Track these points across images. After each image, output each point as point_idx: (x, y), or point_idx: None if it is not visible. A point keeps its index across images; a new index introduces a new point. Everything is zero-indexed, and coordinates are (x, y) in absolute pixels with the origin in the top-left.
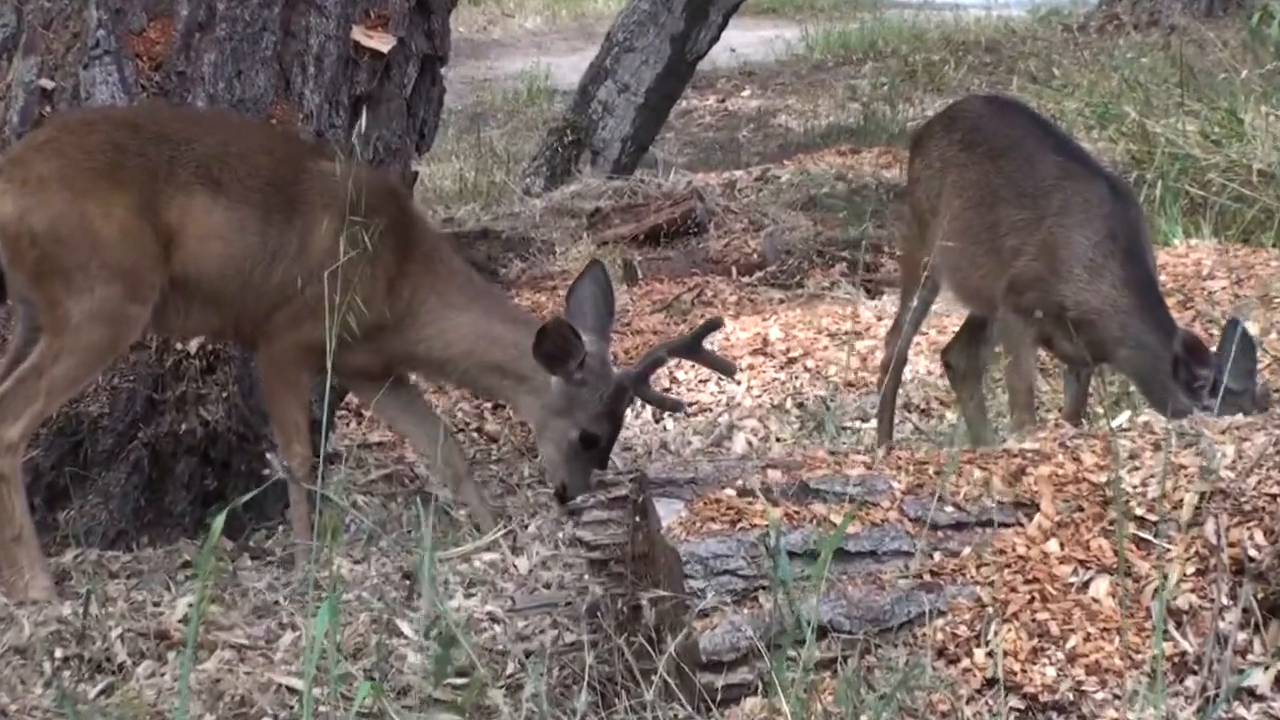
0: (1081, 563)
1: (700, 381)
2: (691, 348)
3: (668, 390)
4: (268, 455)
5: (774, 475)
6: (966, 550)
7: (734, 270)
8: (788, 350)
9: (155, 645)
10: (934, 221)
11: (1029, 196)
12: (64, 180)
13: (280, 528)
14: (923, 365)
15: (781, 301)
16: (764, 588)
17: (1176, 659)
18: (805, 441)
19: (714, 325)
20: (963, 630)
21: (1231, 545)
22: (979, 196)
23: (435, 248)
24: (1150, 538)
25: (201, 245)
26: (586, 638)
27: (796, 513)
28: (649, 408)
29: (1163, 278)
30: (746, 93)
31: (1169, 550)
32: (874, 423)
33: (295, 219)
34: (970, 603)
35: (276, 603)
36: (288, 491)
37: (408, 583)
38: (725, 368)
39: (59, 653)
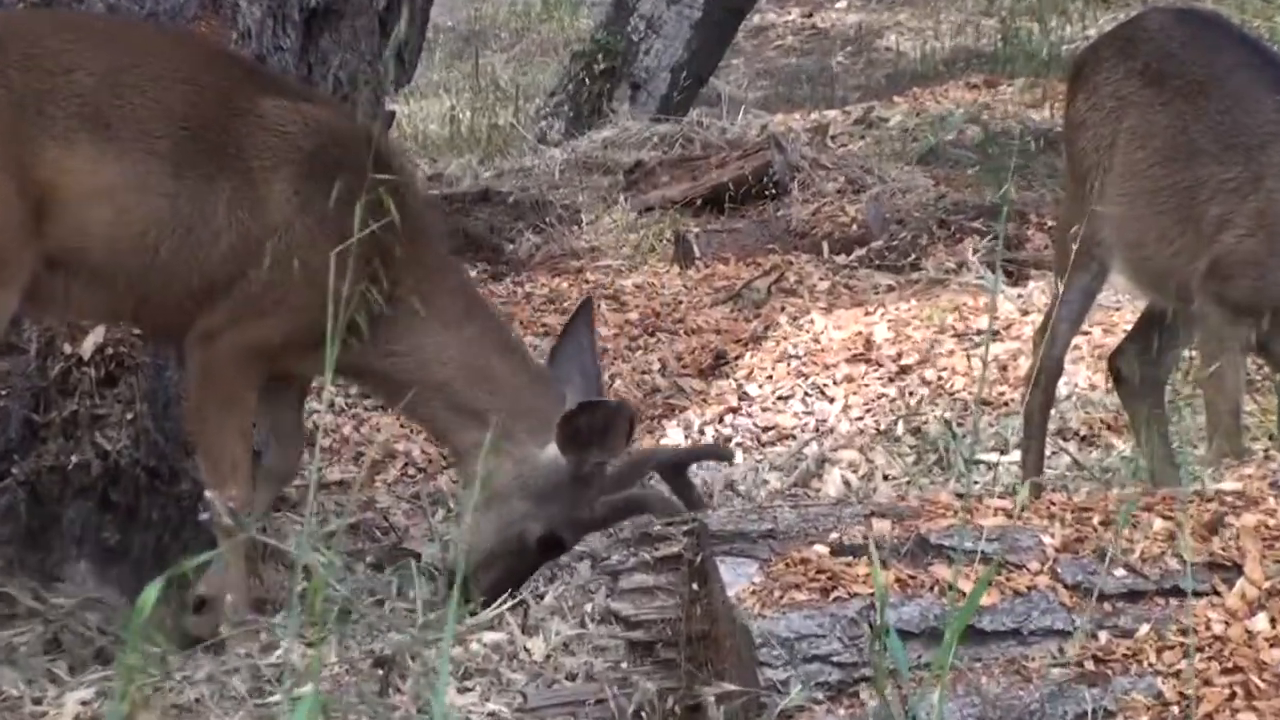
0: None
1: (779, 398)
2: (678, 467)
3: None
4: (206, 495)
5: (880, 527)
6: (1144, 629)
7: (825, 246)
8: (899, 356)
9: None
10: (1103, 181)
11: (1240, 149)
12: None
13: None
14: (1083, 376)
15: (890, 289)
16: (867, 679)
17: None
18: (923, 480)
19: (721, 455)
20: None
21: None
22: (1169, 148)
23: (424, 229)
24: None
25: (84, 211)
26: None
27: (912, 578)
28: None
29: None
30: (842, 4)
31: None
32: (1017, 455)
33: (223, 178)
34: (1149, 700)
35: (199, 700)
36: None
37: (381, 673)
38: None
39: None
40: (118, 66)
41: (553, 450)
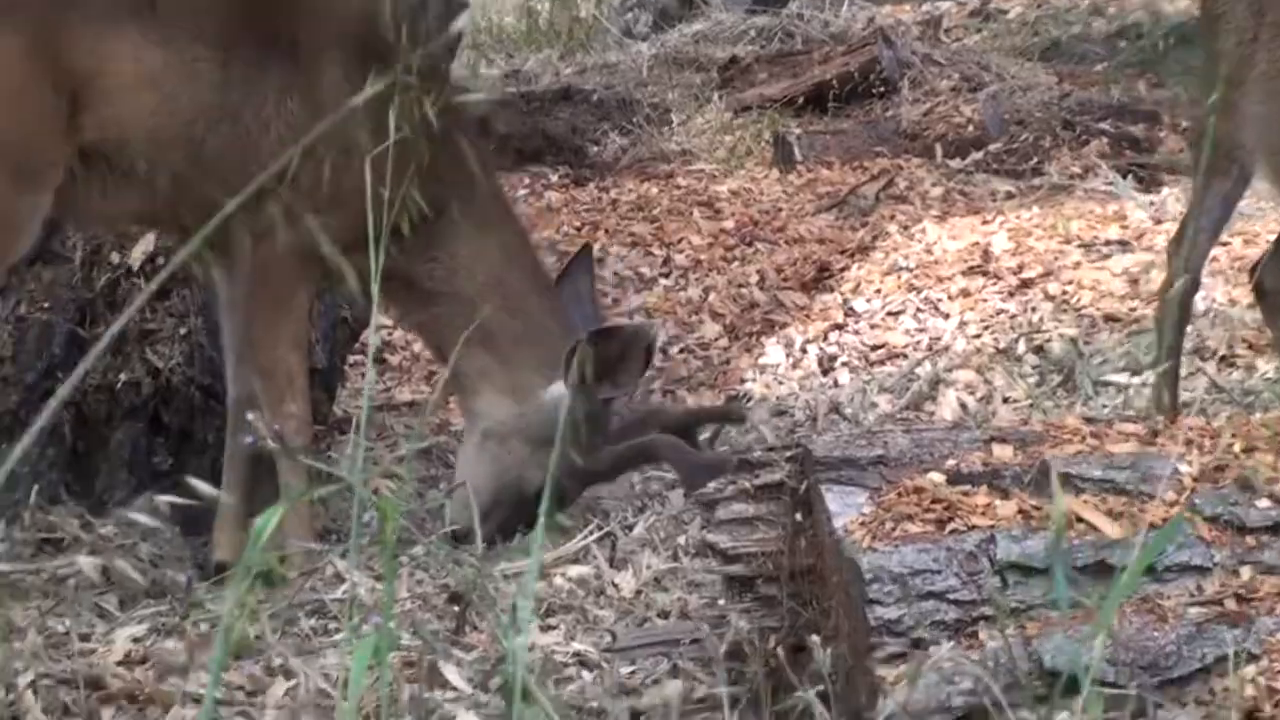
0: None
1: (888, 314)
2: (685, 430)
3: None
4: (249, 417)
5: (1001, 453)
6: None
7: (939, 149)
8: (1019, 268)
9: (84, 699)
10: (1245, 79)
11: None
12: None
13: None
14: (1222, 291)
15: (1010, 196)
16: (987, 619)
17: None
18: (1046, 403)
19: (732, 417)
20: None
21: None
22: None
23: (462, 128)
24: None
25: (125, 100)
26: (724, 691)
27: (1035, 509)
28: (810, 329)
29: None
30: None
31: None
32: (1149, 376)
33: (273, 64)
34: None
35: (259, 637)
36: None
37: (456, 608)
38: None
39: None
40: None
41: (558, 389)
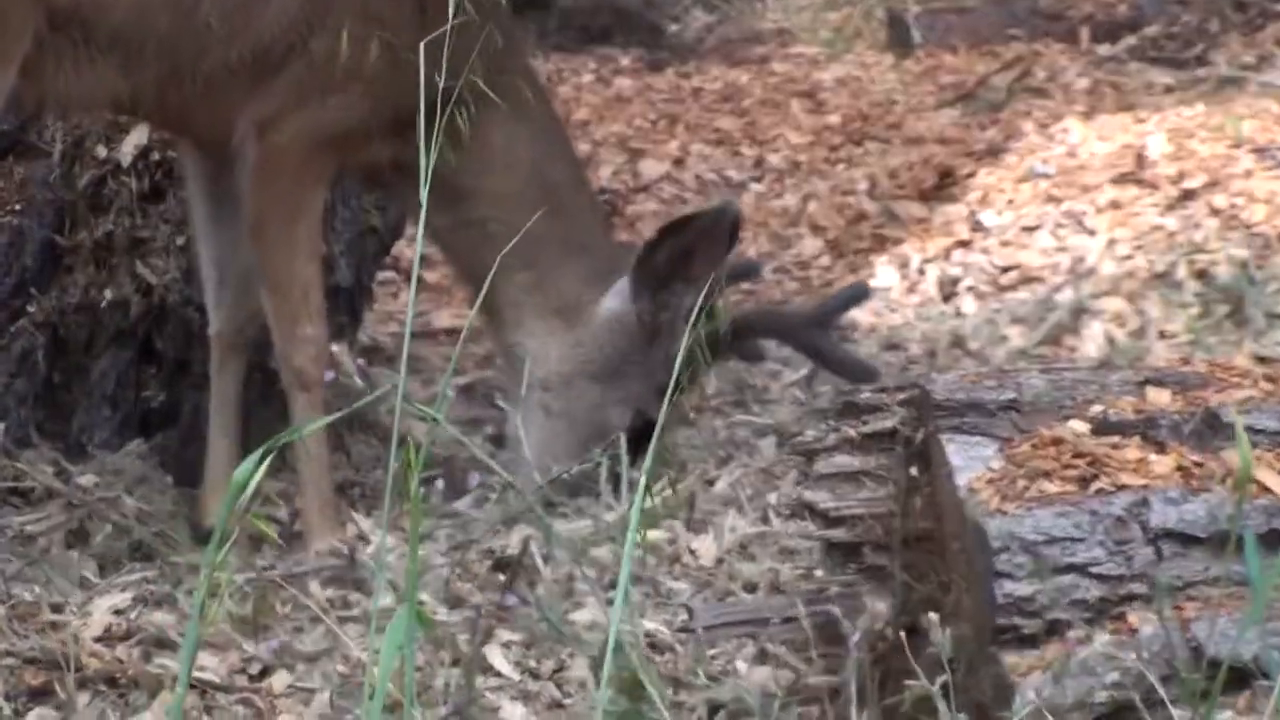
0: None
1: (1023, 229)
2: (816, 328)
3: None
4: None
5: (1157, 398)
6: None
7: (1085, 33)
8: (1179, 177)
9: (56, 681)
10: None
11: None
12: None
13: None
14: None
15: (1169, 90)
16: (1138, 598)
17: None
18: (1210, 340)
19: (857, 296)
20: None
21: None
22: None
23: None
24: None
25: None
26: (823, 681)
27: (1198, 466)
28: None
29: None
30: None
31: None
32: None
33: None
34: None
35: (271, 609)
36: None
37: (502, 578)
38: (862, 372)
39: None
40: None
41: (613, 303)
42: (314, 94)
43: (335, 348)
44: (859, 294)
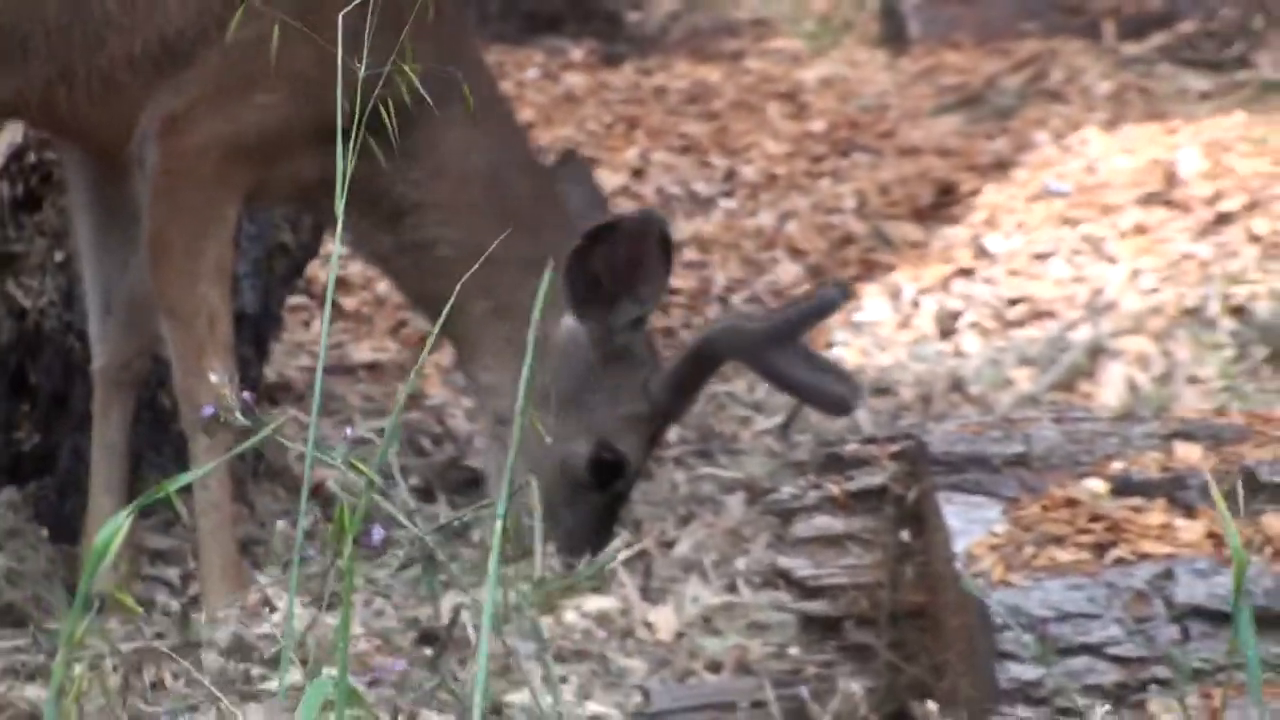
0: None
1: (1034, 257)
2: (774, 339)
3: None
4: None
5: (1186, 453)
6: None
7: (1108, 30)
8: (1215, 197)
9: None
10: None
11: None
12: None
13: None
14: None
15: (1204, 96)
16: (1160, 682)
17: None
18: (1248, 386)
19: (832, 301)
20: None
21: None
22: None
23: None
24: None
25: None
26: None
27: (1236, 534)
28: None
29: None
30: None
31: None
32: None
33: None
34: None
35: (156, 685)
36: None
37: (429, 653)
38: (839, 399)
39: None
40: None
41: (566, 326)
42: (230, 90)
43: (214, 378)
44: (834, 298)
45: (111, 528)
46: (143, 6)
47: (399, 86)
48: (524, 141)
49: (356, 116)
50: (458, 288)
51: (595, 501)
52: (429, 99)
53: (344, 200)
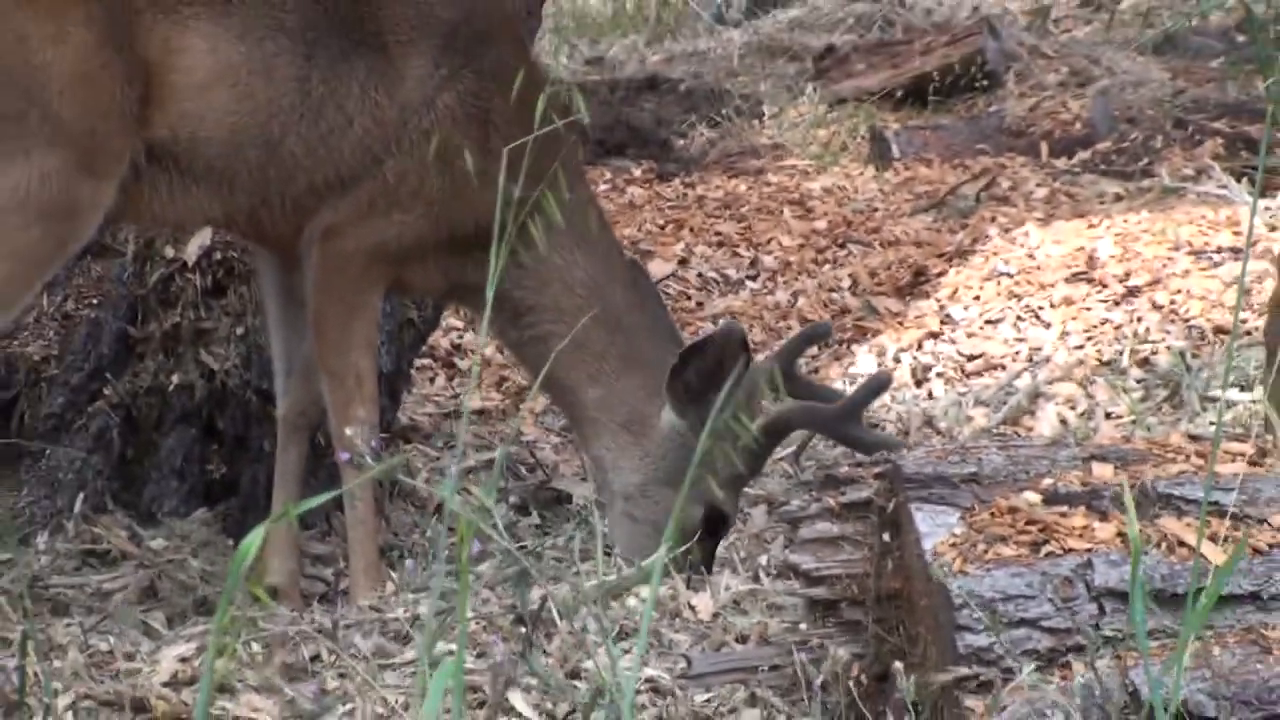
0: None
1: (987, 322)
2: (846, 417)
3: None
4: (346, 431)
5: (1102, 472)
6: None
7: (1044, 148)
8: (1126, 275)
9: None
10: None
11: None
12: None
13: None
14: None
15: (1118, 198)
16: (1082, 649)
17: None
18: (1151, 420)
19: (882, 386)
20: None
21: None
22: None
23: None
24: None
25: (199, 96)
26: None
27: (1138, 532)
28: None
29: None
30: None
31: None
32: (1260, 392)
33: (357, 56)
34: None
35: (317, 658)
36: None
37: (523, 630)
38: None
39: None
40: None
41: (669, 417)
42: (378, 209)
43: (349, 431)
44: (883, 384)
45: (254, 536)
46: (322, 154)
47: (523, 211)
48: (620, 257)
49: (498, 233)
50: (569, 377)
51: (707, 545)
52: (561, 221)
53: (472, 302)
